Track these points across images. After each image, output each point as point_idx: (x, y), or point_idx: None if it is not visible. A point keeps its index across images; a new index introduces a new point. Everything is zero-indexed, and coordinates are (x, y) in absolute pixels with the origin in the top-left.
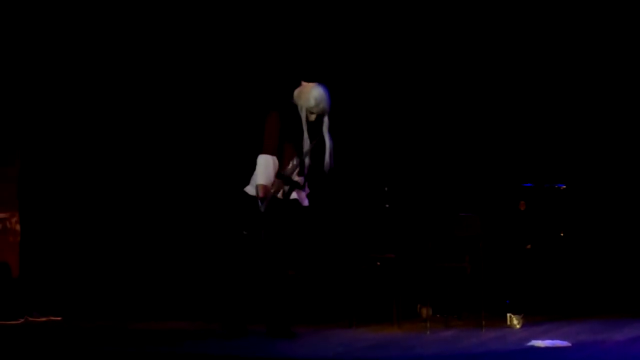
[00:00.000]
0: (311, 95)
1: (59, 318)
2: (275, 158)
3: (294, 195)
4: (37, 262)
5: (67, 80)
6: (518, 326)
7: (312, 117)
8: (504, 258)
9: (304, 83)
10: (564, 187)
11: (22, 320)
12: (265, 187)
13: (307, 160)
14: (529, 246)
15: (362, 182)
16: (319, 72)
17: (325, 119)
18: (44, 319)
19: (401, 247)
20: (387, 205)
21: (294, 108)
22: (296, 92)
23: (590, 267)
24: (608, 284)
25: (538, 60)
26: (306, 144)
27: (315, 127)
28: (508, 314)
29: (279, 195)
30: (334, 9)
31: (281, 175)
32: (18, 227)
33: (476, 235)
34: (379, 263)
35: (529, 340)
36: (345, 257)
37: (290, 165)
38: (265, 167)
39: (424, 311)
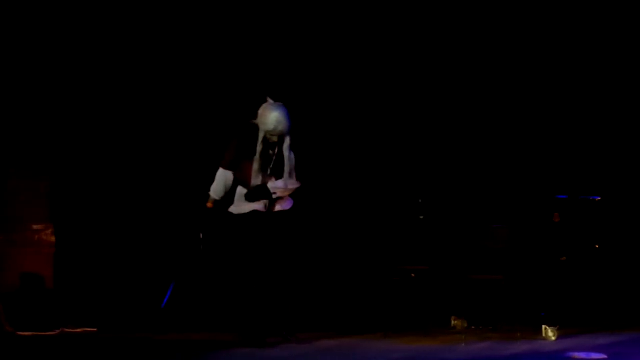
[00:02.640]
0: (269, 119)
1: (94, 329)
2: (229, 172)
3: (277, 207)
4: (72, 274)
5: (96, 94)
6: (553, 338)
7: (274, 139)
8: (539, 270)
9: (268, 100)
10: (599, 198)
11: (57, 331)
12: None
13: (262, 178)
14: (563, 258)
15: (397, 194)
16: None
17: (287, 139)
18: (79, 330)
19: (435, 258)
20: (421, 217)
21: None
22: (259, 111)
23: (626, 279)
24: None
25: (573, 72)
26: (256, 163)
27: (277, 145)
28: (543, 326)
29: (262, 208)
30: (345, 12)
31: (250, 194)
32: (53, 239)
33: (511, 247)
34: (413, 275)
35: (565, 352)
36: (379, 268)
37: (256, 180)
38: (217, 181)
39: (459, 323)
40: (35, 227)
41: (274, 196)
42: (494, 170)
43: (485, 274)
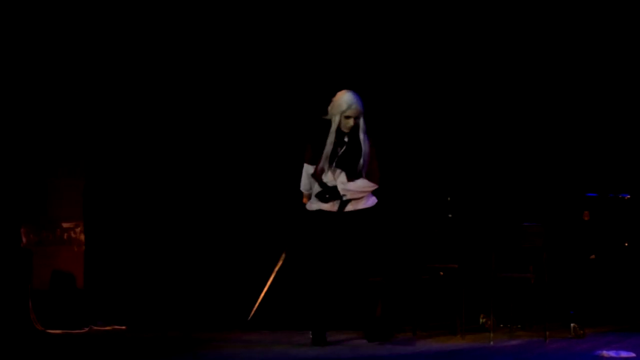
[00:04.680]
0: (343, 99)
1: (123, 327)
2: (310, 167)
3: (349, 207)
4: (102, 272)
5: (132, 95)
6: (583, 337)
7: (350, 123)
8: (568, 268)
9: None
10: (629, 196)
11: (86, 329)
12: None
13: (331, 174)
14: (593, 256)
15: (425, 192)
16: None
17: (361, 122)
18: (108, 328)
19: (464, 257)
20: (450, 215)
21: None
22: (329, 107)
23: None
24: None
25: (600, 69)
26: (325, 158)
27: (352, 135)
28: (572, 324)
29: (331, 208)
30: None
31: (320, 194)
32: (82, 237)
33: (540, 245)
34: (442, 273)
35: (594, 350)
36: (408, 266)
37: (329, 179)
38: (303, 175)
39: (488, 321)
40: (65, 225)
41: (344, 198)
42: (522, 168)
43: (515, 272)
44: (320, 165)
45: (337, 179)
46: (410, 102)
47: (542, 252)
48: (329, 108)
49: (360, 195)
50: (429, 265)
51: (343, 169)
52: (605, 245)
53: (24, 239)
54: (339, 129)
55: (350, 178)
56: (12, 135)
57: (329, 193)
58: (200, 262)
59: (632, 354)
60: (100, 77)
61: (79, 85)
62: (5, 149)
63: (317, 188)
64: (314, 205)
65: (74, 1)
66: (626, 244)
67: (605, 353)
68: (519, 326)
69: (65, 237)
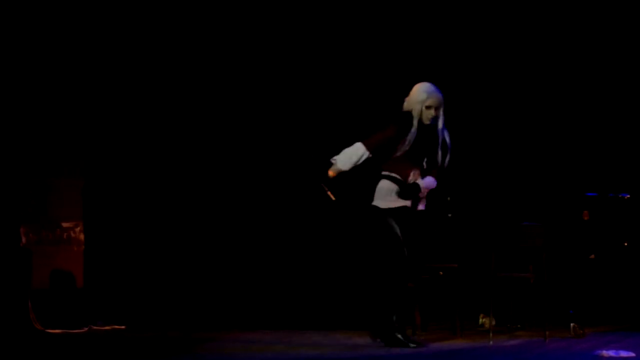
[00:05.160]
0: (423, 88)
1: (123, 327)
2: (367, 154)
3: (420, 206)
4: (101, 272)
5: (130, 93)
6: (582, 336)
7: (432, 113)
8: (568, 268)
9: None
10: (628, 196)
11: (86, 329)
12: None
13: (425, 165)
14: (592, 256)
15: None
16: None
17: (442, 115)
18: (107, 328)
19: (464, 256)
20: (449, 215)
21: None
22: (405, 101)
23: None
24: None
25: (601, 69)
26: (411, 156)
27: (429, 130)
28: (571, 324)
29: (408, 204)
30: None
31: (404, 191)
32: (82, 236)
33: (539, 245)
34: (441, 273)
35: (593, 350)
36: (408, 266)
37: (412, 176)
38: (351, 154)
39: (487, 321)
40: (65, 224)
41: (421, 195)
42: (522, 168)
43: (514, 272)
44: (399, 157)
45: (414, 174)
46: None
47: (542, 252)
48: (407, 100)
49: (425, 193)
50: (428, 265)
51: (422, 164)
52: (605, 245)
53: (23, 239)
54: (420, 121)
55: (424, 174)
56: (12, 136)
57: (411, 190)
58: (200, 262)
59: (632, 354)
60: (100, 77)
61: (79, 86)
62: (5, 149)
63: (389, 185)
64: (391, 202)
65: (74, 2)
66: (626, 244)
67: (605, 353)
68: (519, 326)
69: (64, 236)
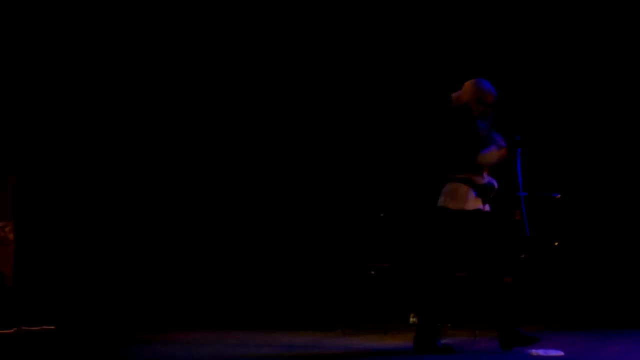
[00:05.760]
0: (479, 86)
1: (52, 327)
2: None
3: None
4: (32, 272)
5: (63, 92)
6: None
7: (488, 112)
8: (500, 267)
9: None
10: (559, 196)
11: (15, 329)
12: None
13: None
14: (523, 255)
15: (358, 191)
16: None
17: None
18: (37, 328)
19: (396, 256)
20: (382, 215)
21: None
22: (458, 95)
23: (585, 277)
24: (604, 294)
25: (532, 74)
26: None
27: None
28: None
29: (486, 208)
30: None
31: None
32: (11, 236)
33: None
34: (373, 272)
35: (523, 349)
36: (340, 265)
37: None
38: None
39: (417, 320)
40: None
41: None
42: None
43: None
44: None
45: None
46: (335, 104)
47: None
48: (459, 96)
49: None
50: (361, 264)
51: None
52: (536, 244)
53: None
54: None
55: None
56: None
57: (488, 191)
58: (135, 261)
59: (560, 352)
60: (31, 74)
61: (9, 83)
62: None
63: (457, 186)
64: (470, 203)
65: None
66: (556, 243)
67: (534, 351)
68: (450, 325)
69: None
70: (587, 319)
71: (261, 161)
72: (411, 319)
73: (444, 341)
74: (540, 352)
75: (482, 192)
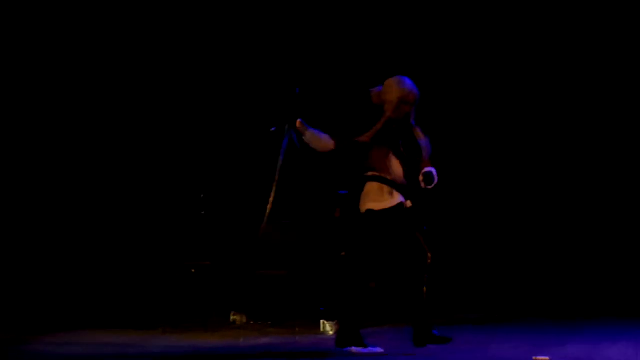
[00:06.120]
0: (403, 83)
1: None
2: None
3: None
4: None
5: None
6: (331, 332)
7: (407, 110)
8: (319, 265)
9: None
10: None
11: None
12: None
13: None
14: (343, 253)
15: (179, 189)
16: None
17: (413, 111)
18: None
19: (217, 254)
20: (203, 212)
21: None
22: (380, 90)
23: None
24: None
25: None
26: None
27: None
28: (322, 321)
29: (402, 201)
30: None
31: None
32: None
33: (293, 242)
34: (193, 270)
35: (344, 347)
36: (161, 263)
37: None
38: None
39: (238, 318)
40: None
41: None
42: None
43: (268, 269)
44: (380, 155)
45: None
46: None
47: (295, 249)
48: (382, 92)
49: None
50: (182, 262)
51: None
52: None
53: None
54: (389, 121)
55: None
56: None
57: (430, 178)
58: (24, 262)
59: (380, 349)
60: None
61: None
62: None
63: (377, 185)
64: (384, 203)
65: None
66: None
67: (354, 349)
68: (270, 323)
69: None
70: (404, 315)
71: (81, 158)
72: (232, 317)
73: (264, 340)
74: (362, 349)
75: (427, 179)
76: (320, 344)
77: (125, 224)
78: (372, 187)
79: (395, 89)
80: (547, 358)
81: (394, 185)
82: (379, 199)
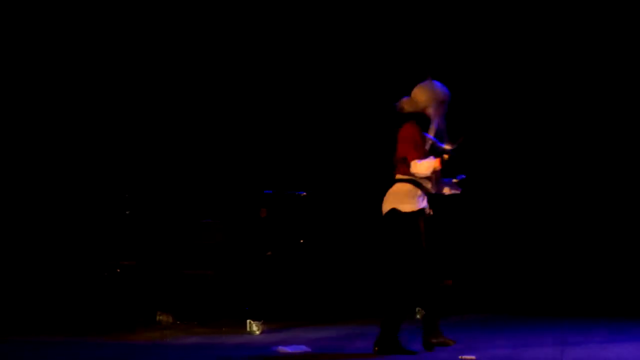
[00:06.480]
0: (438, 87)
1: None
2: None
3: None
4: None
5: None
6: (258, 332)
7: (444, 109)
8: (245, 264)
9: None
10: (305, 194)
11: None
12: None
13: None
14: (269, 253)
15: (102, 188)
16: None
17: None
18: None
19: (143, 253)
20: (127, 212)
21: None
22: (410, 99)
23: (329, 273)
24: (348, 290)
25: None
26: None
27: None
28: (248, 320)
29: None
30: None
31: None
32: None
33: (219, 241)
34: (119, 270)
35: (270, 346)
36: (85, 264)
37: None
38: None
39: (164, 318)
40: None
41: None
42: (203, 165)
43: (194, 268)
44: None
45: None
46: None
47: (221, 249)
48: (414, 100)
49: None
50: (107, 262)
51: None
52: (281, 241)
53: None
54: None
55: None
56: None
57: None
58: None
59: (308, 349)
60: None
61: None
62: None
63: (408, 187)
64: (414, 205)
65: None
66: (302, 241)
67: (281, 348)
68: (196, 322)
69: None
70: (332, 314)
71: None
72: (158, 317)
73: (191, 340)
74: (288, 348)
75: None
76: (248, 343)
77: (49, 225)
78: (403, 188)
79: (431, 91)
80: (473, 357)
81: (425, 190)
82: (409, 200)
